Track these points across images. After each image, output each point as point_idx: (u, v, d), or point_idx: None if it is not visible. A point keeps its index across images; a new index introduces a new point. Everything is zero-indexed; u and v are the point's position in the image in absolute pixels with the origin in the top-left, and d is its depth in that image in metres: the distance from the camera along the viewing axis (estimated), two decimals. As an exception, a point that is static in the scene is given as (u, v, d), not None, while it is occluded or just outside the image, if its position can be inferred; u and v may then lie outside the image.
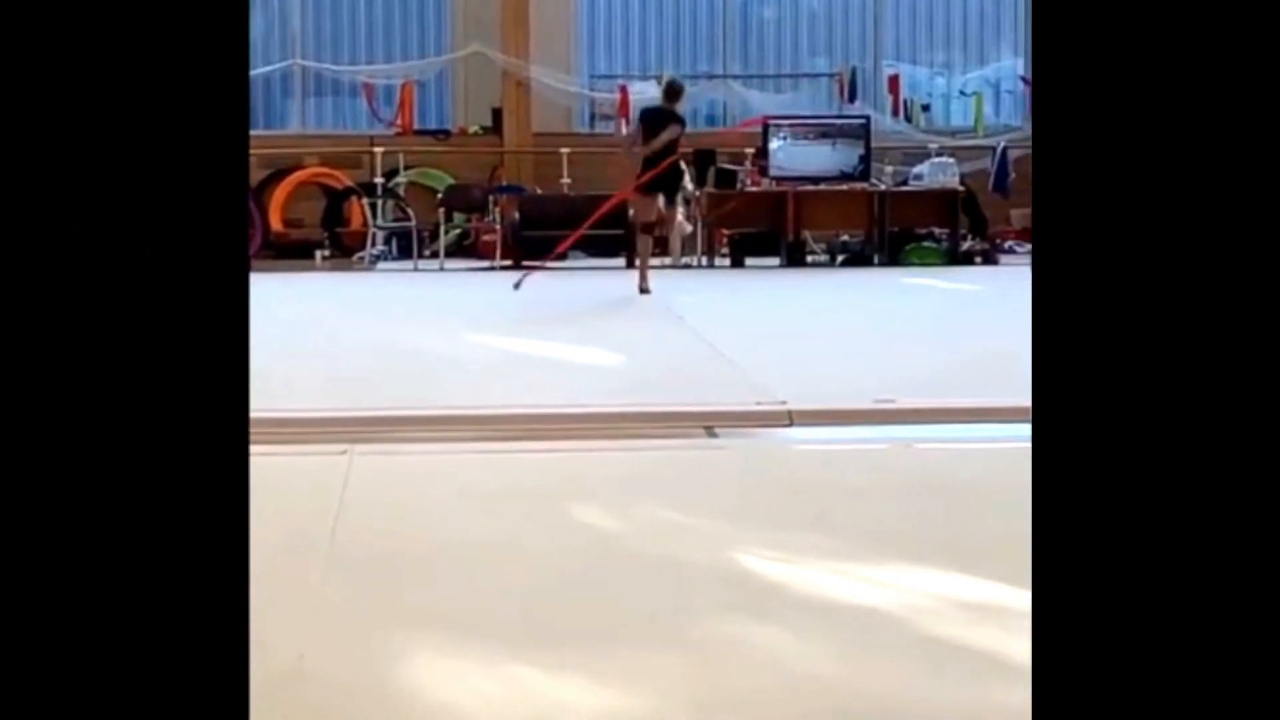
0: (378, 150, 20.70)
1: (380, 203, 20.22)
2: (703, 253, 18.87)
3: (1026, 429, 6.93)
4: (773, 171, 19.00)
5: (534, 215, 19.33)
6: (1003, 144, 21.30)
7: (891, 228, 19.02)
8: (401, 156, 21.05)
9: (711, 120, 22.90)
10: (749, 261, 18.88)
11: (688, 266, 18.49)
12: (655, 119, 14.45)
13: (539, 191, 20.74)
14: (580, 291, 15.45)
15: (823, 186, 19.05)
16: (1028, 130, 22.13)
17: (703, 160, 19.34)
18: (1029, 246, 20.93)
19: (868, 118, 20.28)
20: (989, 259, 19.41)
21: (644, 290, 13.94)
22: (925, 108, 22.64)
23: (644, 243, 14.54)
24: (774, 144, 19.18)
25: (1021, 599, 4.00)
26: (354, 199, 20.51)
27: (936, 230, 19.55)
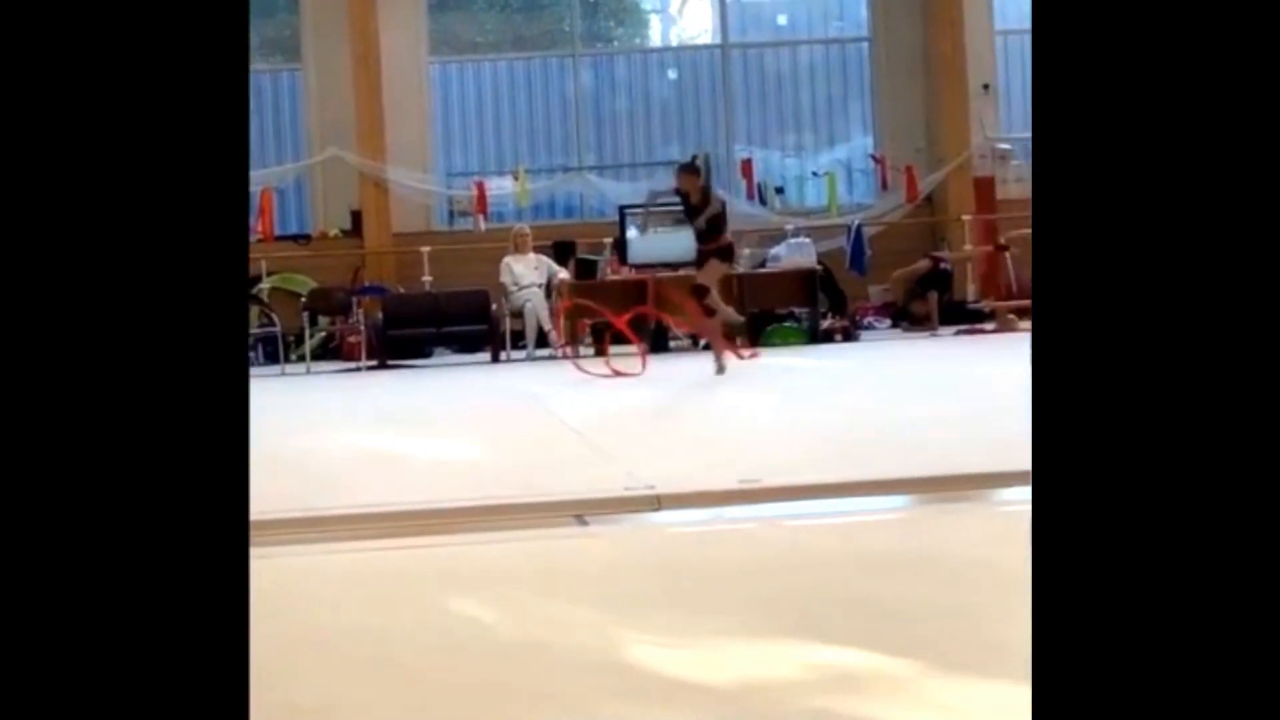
0: (238, 257, 20.64)
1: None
2: (566, 342, 18.96)
3: (894, 500, 7.03)
4: (631, 259, 19.15)
5: (398, 315, 19.38)
6: (857, 222, 21.64)
7: (752, 309, 19.20)
8: (264, 263, 21.02)
9: (569, 212, 23.06)
10: (613, 349, 18.98)
11: (551, 357, 18.58)
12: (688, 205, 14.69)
13: (402, 291, 20.78)
14: (448, 386, 15.47)
15: (682, 272, 19.20)
16: (880, 207, 22.52)
17: (562, 251, 19.50)
18: (888, 322, 21.19)
19: (723, 202, 20.47)
20: (849, 336, 19.64)
21: (719, 370, 14.47)
22: (779, 190, 22.93)
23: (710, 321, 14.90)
24: (631, 232, 19.34)
25: (888, 665, 4.11)
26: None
27: (797, 310, 19.76)
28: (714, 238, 14.48)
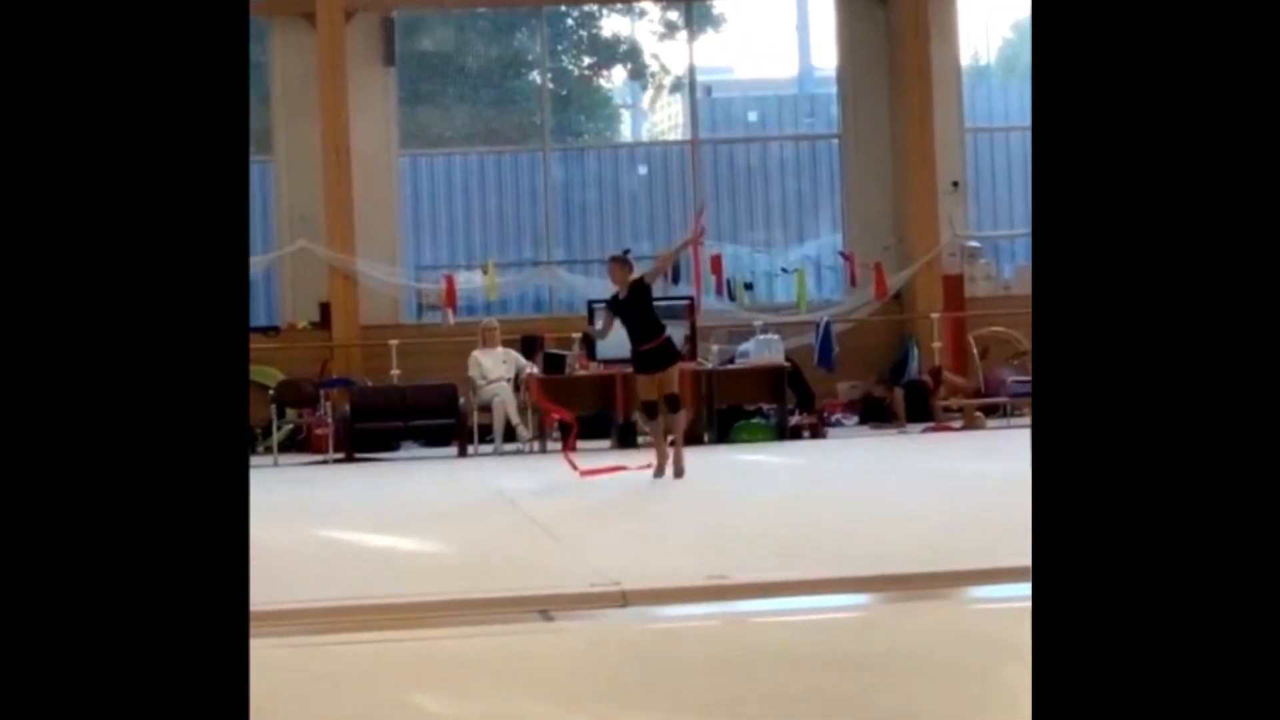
0: (206, 348, 20.61)
1: (211, 401, 20.11)
2: (533, 437, 18.92)
3: (860, 598, 7.02)
4: (600, 354, 19.15)
5: (366, 408, 19.34)
6: (826, 319, 21.68)
7: (720, 405, 19.20)
8: (231, 354, 20.98)
9: (538, 305, 23.09)
10: (580, 445, 18.96)
11: (518, 452, 18.55)
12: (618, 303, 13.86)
13: (369, 383, 20.74)
14: (415, 480, 15.43)
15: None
16: (849, 304, 22.58)
17: (529, 345, 19.49)
18: (856, 419, 21.20)
19: (691, 298, 20.54)
20: (817, 433, 19.63)
21: (676, 473, 13.58)
22: (748, 286, 22.98)
23: (651, 425, 14.15)
24: (600, 327, 19.35)
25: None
26: (184, 398, 20.37)
27: (765, 406, 19.76)
28: (658, 333, 13.90)
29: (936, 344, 21.44)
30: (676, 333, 19.37)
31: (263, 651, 6.29)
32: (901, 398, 20.59)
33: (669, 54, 24.70)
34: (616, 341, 19.19)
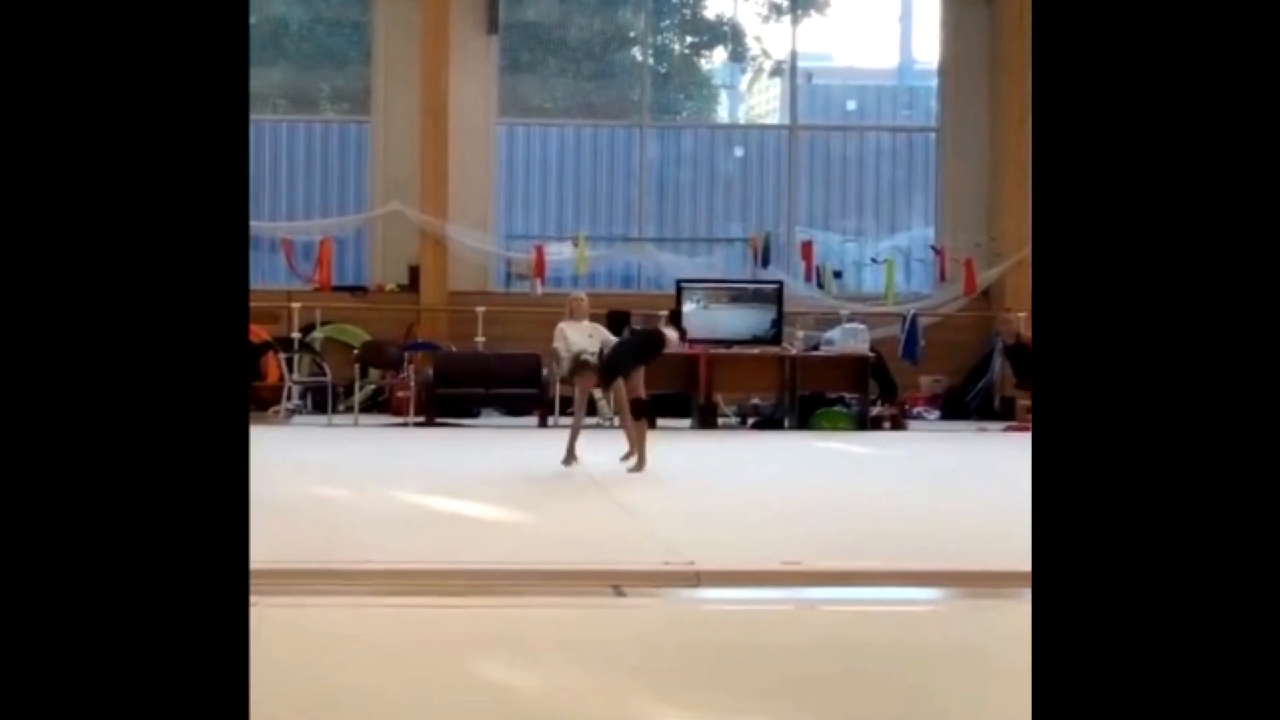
0: (295, 305, 20.73)
1: (297, 357, 20.24)
2: (614, 413, 18.91)
3: (932, 592, 6.99)
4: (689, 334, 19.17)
5: (449, 373, 19.40)
6: (913, 311, 21.60)
7: (802, 391, 19.18)
8: (319, 312, 21.10)
9: (626, 281, 23.08)
10: (661, 423, 18.97)
11: (598, 425, 18.59)
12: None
13: (454, 349, 20.80)
14: (493, 448, 15.49)
15: (735, 349, 19.23)
16: (937, 298, 22.47)
17: (616, 320, 19.50)
18: (938, 413, 21.09)
19: (780, 282, 20.51)
20: (897, 425, 19.55)
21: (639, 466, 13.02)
22: (837, 274, 22.88)
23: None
24: (688, 306, 19.38)
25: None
26: (271, 353, 20.53)
27: (846, 395, 19.71)
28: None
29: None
30: (764, 316, 19.48)
31: (329, 612, 6.37)
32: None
33: (771, 37, 24.65)
34: (703, 322, 19.31)
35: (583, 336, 19.32)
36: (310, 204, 22.81)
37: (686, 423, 18.82)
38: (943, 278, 22.67)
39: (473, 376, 19.38)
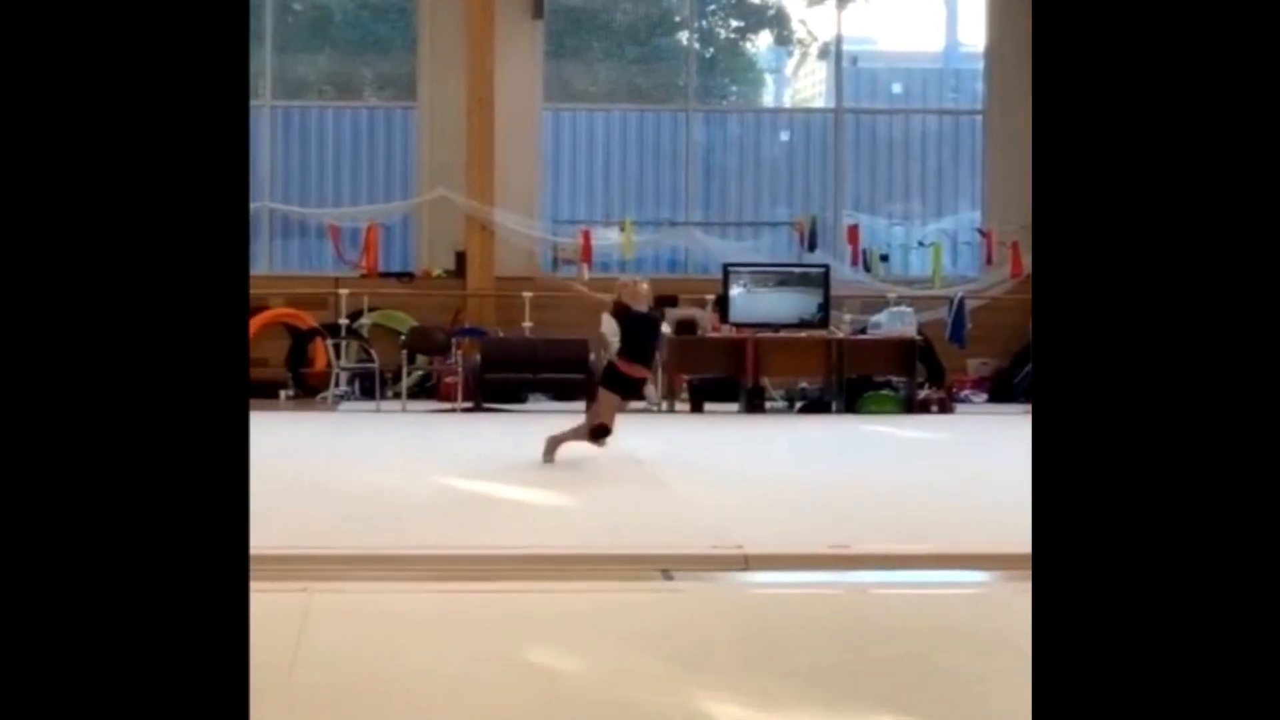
0: (343, 292, 20.78)
1: (344, 344, 20.29)
2: (662, 397, 18.94)
3: (981, 575, 6.98)
4: (733, 318, 19.15)
5: (496, 358, 19.42)
6: (960, 294, 21.53)
7: (849, 375, 19.14)
8: (366, 298, 21.14)
9: (673, 266, 23.07)
10: (708, 407, 19.00)
11: (646, 410, 18.60)
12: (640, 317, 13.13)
13: (501, 334, 20.83)
14: (541, 432, 15.50)
15: (782, 333, 19.21)
16: (984, 281, 22.40)
17: (663, 305, 19.49)
18: (985, 396, 21.02)
19: (827, 266, 20.46)
20: (945, 408, 19.51)
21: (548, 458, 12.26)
22: (884, 257, 22.81)
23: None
24: (734, 290, 19.37)
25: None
26: (318, 339, 20.60)
27: (894, 378, 19.67)
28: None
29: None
30: (811, 300, 19.47)
31: (378, 597, 6.40)
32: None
33: (816, 21, 24.57)
34: (749, 306, 19.31)
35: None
36: (357, 191, 22.85)
37: (734, 407, 18.81)
38: (989, 261, 22.58)
39: (520, 362, 19.40)
